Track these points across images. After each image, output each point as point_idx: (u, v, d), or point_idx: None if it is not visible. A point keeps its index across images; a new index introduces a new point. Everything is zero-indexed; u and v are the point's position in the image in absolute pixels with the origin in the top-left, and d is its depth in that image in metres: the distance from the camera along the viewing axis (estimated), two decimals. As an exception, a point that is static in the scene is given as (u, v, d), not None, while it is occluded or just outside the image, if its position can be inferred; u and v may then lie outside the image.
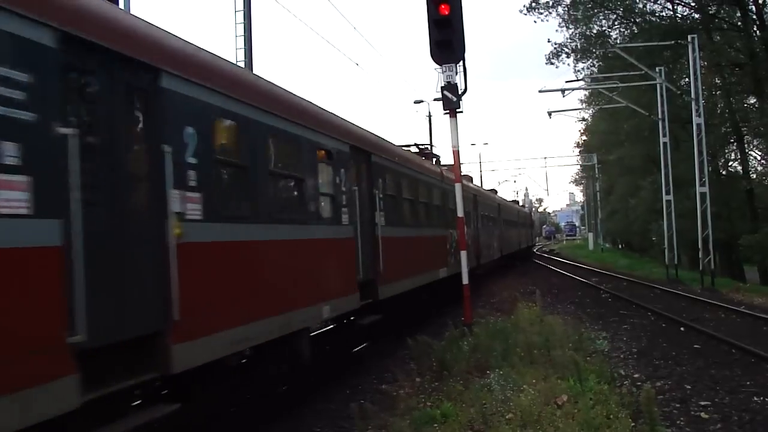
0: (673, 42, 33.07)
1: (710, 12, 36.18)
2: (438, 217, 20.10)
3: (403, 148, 19.86)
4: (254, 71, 18.08)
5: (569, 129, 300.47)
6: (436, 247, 19.65)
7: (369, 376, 12.76)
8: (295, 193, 10.11)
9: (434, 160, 23.44)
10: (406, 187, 16.62)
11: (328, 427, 9.64)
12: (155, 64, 6.42)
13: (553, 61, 39.77)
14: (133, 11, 15.08)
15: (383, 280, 13.45)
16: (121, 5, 8.69)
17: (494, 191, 48.44)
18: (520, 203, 78.07)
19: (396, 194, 15.47)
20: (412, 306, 17.02)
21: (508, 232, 41.95)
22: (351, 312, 12.17)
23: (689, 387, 10.95)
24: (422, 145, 22.86)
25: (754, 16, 34.45)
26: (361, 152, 13.01)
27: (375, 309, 13.08)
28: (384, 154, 14.79)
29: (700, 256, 29.85)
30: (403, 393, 10.53)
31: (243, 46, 19.43)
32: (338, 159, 11.58)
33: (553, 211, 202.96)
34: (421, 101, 50.26)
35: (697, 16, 36.94)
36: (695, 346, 14.67)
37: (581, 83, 40.19)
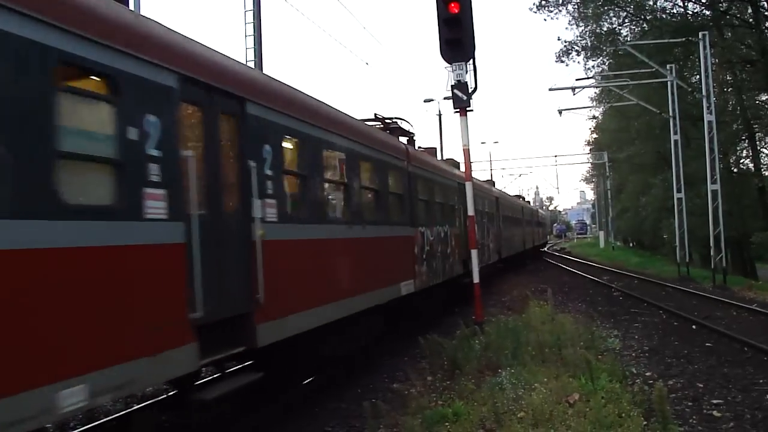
0: (683, 39, 32.94)
1: (721, 9, 36.03)
2: (398, 211, 14.42)
3: (366, 121, 15.13)
4: (264, 71, 18.12)
5: (580, 127, 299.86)
6: (393, 254, 13.80)
7: (380, 375, 12.77)
8: None
9: (407, 138, 17.57)
10: (333, 165, 11.12)
11: (340, 426, 9.65)
12: None
13: (563, 59, 39.71)
14: (143, 11, 15.16)
15: (268, 313, 8.08)
16: (131, 6, 8.45)
17: (491, 182, 42.59)
18: (531, 202, 76.93)
19: (307, 173, 9.76)
20: (343, 346, 11.75)
21: (509, 231, 36.63)
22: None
23: (701, 385, 10.92)
24: (390, 118, 17.05)
25: (767, 13, 34.30)
26: (218, 94, 7.60)
27: (256, 360, 8.59)
28: (276, 105, 9.00)
29: (712, 253, 29.74)
30: (415, 392, 10.52)
31: (253, 46, 19.48)
32: (142, 96, 6.30)
33: (564, 210, 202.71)
34: (431, 100, 50.29)
35: (708, 12, 36.78)
36: (707, 344, 14.63)
37: (591, 81, 40.09)
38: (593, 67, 41.28)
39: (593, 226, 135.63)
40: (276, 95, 9.30)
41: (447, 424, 8.59)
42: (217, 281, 7.20)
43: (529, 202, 66.44)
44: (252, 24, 19.48)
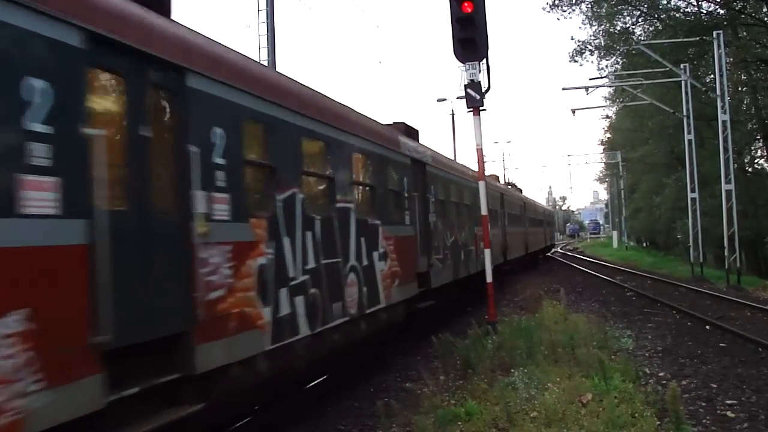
0: (697, 38, 32.77)
1: (736, 8, 35.82)
2: None
3: None
4: (277, 69, 18.20)
5: (593, 126, 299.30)
6: None
7: (393, 374, 12.79)
8: None
9: None
10: None
11: (353, 425, 9.68)
12: None
13: (576, 58, 39.56)
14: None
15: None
16: None
17: (411, 129, 17.64)
18: (545, 201, 75.68)
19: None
20: None
21: (468, 235, 21.05)
22: None
23: (715, 386, 10.88)
24: None
25: (782, 12, 34.10)
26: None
27: None
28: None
29: (726, 254, 29.58)
30: (428, 391, 10.54)
31: (266, 45, 19.54)
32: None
33: (577, 209, 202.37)
34: (444, 99, 50.33)
35: (722, 11, 36.57)
36: (721, 344, 14.57)
37: (605, 81, 39.91)
38: (606, 66, 41.15)
39: (606, 225, 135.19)
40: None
41: (460, 423, 8.60)
42: None
43: (520, 189, 46.91)
44: (266, 23, 19.54)
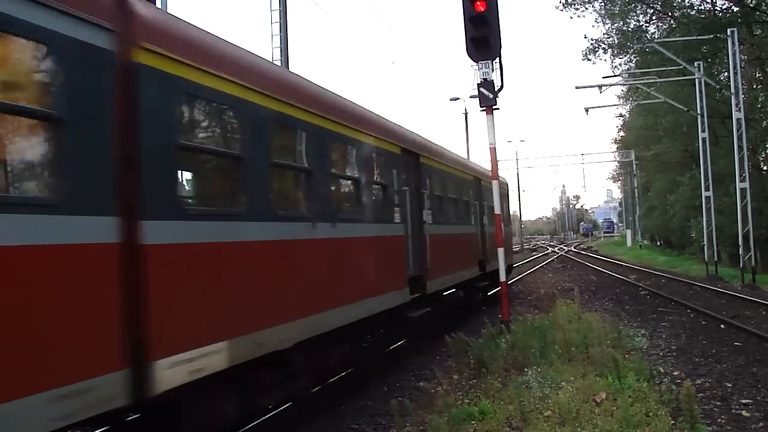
0: (712, 36, 32.65)
1: (750, 5, 35.65)
2: None
3: None
4: (290, 69, 18.26)
5: (607, 125, 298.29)
6: None
7: (407, 373, 12.82)
8: None
9: None
10: None
11: (366, 424, 9.70)
12: None
13: (589, 57, 39.58)
14: (170, 9, 15.27)
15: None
16: (158, 3, 8.63)
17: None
18: (558, 200, 75.09)
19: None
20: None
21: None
22: None
23: (730, 385, 10.84)
24: None
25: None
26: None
27: None
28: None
29: (741, 252, 29.46)
30: (441, 390, 10.57)
31: (279, 45, 19.60)
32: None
33: (591, 208, 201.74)
34: (457, 99, 50.27)
35: (736, 9, 36.41)
36: (736, 343, 14.51)
37: (618, 79, 39.85)
38: (620, 64, 41.15)
39: (620, 224, 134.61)
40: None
41: (473, 422, 8.61)
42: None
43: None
44: (278, 23, 19.61)
